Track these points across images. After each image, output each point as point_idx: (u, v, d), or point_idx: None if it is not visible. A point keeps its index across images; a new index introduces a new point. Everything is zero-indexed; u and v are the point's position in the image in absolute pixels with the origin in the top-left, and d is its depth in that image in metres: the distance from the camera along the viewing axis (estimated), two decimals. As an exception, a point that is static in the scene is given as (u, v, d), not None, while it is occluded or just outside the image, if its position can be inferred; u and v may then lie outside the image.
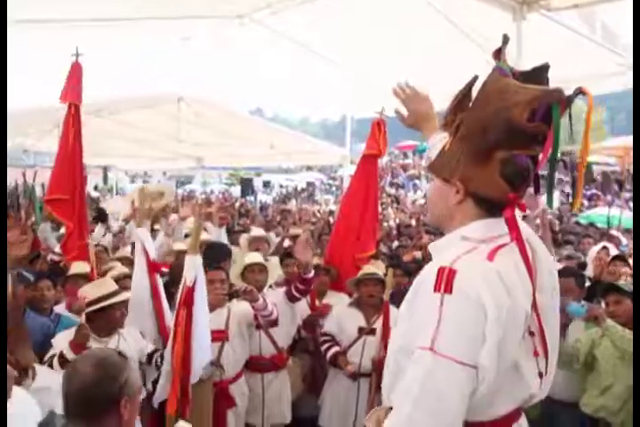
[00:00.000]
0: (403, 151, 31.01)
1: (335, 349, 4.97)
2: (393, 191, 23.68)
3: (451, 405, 1.61)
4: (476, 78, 1.95)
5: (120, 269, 5.37)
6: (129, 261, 5.84)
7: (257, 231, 7.39)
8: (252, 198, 21.34)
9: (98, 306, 3.97)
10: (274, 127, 12.92)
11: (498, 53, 1.92)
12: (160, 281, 4.72)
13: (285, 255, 6.08)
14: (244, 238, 7.32)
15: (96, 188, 21.59)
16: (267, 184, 31.17)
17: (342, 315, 5.08)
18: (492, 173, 1.76)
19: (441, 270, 1.67)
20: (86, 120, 10.72)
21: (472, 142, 1.80)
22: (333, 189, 27.16)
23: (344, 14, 8.86)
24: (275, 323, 4.66)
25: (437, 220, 1.97)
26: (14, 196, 10.54)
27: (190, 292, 3.89)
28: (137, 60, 10.59)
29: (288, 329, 5.08)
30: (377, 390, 4.89)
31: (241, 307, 4.74)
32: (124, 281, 4.85)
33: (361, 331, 4.94)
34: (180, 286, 3.97)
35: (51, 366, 3.67)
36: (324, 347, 5.03)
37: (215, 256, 6.14)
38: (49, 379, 3.50)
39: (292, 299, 4.92)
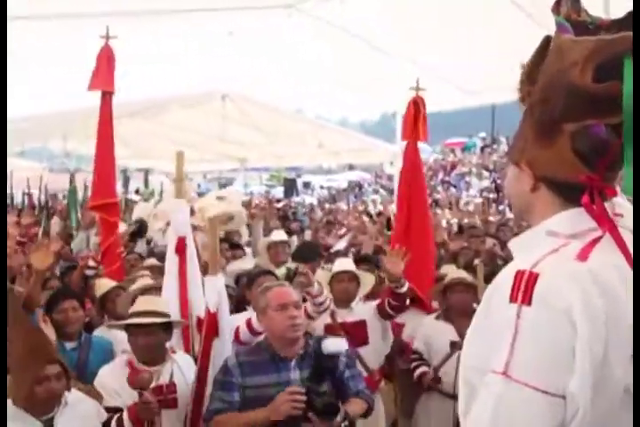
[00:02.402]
0: (450, 148, 30.36)
1: (422, 369, 4.45)
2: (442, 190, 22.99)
3: None
4: (548, 40, 1.57)
5: (144, 280, 4.58)
6: (158, 270, 5.15)
7: (278, 235, 6.59)
8: (298, 199, 20.88)
9: (127, 322, 3.36)
10: (321, 125, 12.41)
11: (557, 6, 1.54)
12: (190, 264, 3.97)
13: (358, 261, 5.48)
14: (262, 243, 6.58)
15: (137, 191, 21.26)
16: (307, 185, 30.65)
17: (429, 330, 4.53)
18: (560, 151, 1.46)
19: (519, 275, 1.35)
20: (126, 121, 10.44)
21: (534, 117, 1.52)
22: (379, 188, 26.55)
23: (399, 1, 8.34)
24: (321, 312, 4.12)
25: (518, 211, 1.66)
26: (51, 201, 10.14)
27: (213, 319, 3.37)
28: (179, 56, 10.19)
29: (379, 348, 4.51)
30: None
31: None
32: (150, 292, 4.14)
33: (454, 346, 4.38)
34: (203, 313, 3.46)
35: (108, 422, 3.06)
36: (412, 366, 4.53)
37: (304, 255, 5.66)
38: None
39: (384, 316, 4.38)
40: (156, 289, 4.08)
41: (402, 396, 4.77)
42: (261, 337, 3.38)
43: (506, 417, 1.32)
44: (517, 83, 1.62)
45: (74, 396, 2.97)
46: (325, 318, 4.32)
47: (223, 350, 3.37)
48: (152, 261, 5.93)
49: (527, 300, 1.32)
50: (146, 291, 4.06)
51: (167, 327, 3.41)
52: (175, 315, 3.67)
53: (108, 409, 3.12)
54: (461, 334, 4.42)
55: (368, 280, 4.59)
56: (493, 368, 1.35)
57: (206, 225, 3.67)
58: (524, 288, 1.33)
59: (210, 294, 3.40)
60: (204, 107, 11.41)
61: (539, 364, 1.31)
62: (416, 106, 5.34)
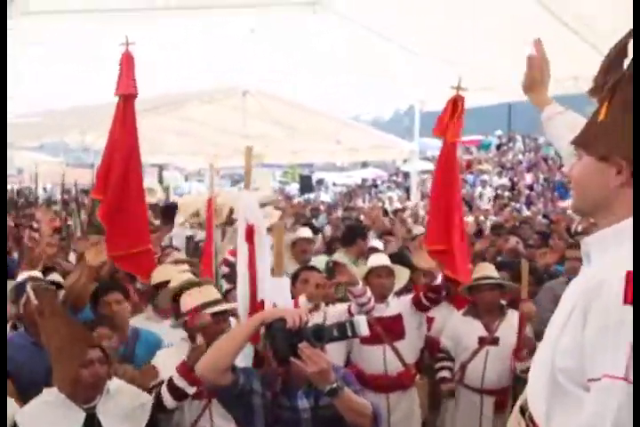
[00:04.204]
0: (465, 147, 30.15)
1: (443, 374, 4.54)
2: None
3: None
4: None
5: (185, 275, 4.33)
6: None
7: (304, 232, 6.47)
8: (312, 196, 20.88)
9: (215, 309, 3.37)
10: (340, 121, 12.40)
11: None
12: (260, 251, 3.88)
13: None
14: (286, 239, 6.55)
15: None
16: (320, 182, 30.61)
17: (457, 326, 4.56)
18: None
19: (631, 276, 1.32)
20: (143, 117, 10.50)
21: None
22: (394, 186, 26.53)
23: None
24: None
25: (589, 207, 1.61)
26: (68, 196, 10.18)
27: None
28: (201, 52, 10.20)
29: (415, 342, 4.55)
30: (501, 410, 4.39)
31: (338, 309, 4.34)
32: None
33: (482, 341, 4.41)
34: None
35: (158, 396, 3.08)
36: (436, 366, 4.61)
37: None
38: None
39: (421, 308, 4.41)
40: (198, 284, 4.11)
41: (430, 389, 4.81)
42: None
43: (629, 424, 1.31)
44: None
45: (116, 384, 3.01)
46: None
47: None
48: (178, 255, 5.87)
49: None
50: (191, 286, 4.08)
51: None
52: (246, 300, 3.71)
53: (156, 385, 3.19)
54: (489, 330, 4.46)
55: (403, 275, 4.61)
56: (608, 372, 1.34)
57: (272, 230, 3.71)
58: None
59: (276, 294, 3.43)
60: (225, 102, 11.43)
61: None
62: (455, 105, 5.36)
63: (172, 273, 4.26)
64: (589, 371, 1.40)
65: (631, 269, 1.35)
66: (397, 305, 4.46)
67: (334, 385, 2.44)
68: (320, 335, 2.44)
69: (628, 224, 1.48)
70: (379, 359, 4.33)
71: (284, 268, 3.56)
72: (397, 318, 4.38)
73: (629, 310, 1.32)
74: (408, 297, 4.53)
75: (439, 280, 4.28)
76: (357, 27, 9.31)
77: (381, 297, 4.41)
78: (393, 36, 9.66)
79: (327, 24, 9.26)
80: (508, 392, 4.39)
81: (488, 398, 4.36)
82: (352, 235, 6.31)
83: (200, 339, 3.13)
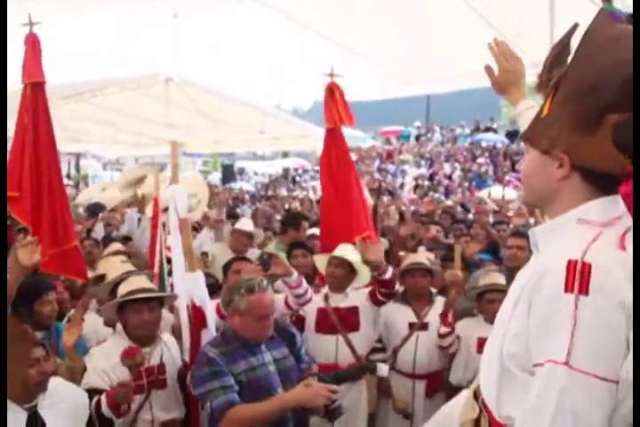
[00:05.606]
0: (385, 137, 30.61)
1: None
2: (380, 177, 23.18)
3: None
4: (575, 27, 1.65)
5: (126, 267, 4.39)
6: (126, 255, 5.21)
7: (247, 225, 6.32)
8: (236, 185, 20.74)
9: (124, 299, 3.37)
10: (265, 111, 12.32)
11: None
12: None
13: (295, 246, 5.55)
14: (227, 230, 6.55)
15: (68, 176, 20.77)
16: (241, 171, 30.46)
17: (388, 312, 4.63)
18: (603, 141, 1.46)
19: (572, 265, 1.38)
20: (60, 104, 10.12)
21: (578, 104, 1.50)
22: (317, 175, 26.67)
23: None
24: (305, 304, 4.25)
25: (536, 199, 1.67)
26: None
27: (200, 313, 3.51)
28: (123, 38, 9.93)
29: (369, 334, 4.50)
30: (433, 393, 4.51)
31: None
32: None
33: (412, 327, 4.51)
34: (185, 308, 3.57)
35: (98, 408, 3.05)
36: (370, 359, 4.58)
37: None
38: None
39: (376, 302, 4.39)
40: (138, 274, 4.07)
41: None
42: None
43: (571, 405, 1.36)
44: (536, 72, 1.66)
45: (55, 381, 2.94)
46: (319, 302, 4.36)
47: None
48: (117, 246, 5.82)
49: (585, 290, 1.36)
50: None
51: (161, 305, 3.46)
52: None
53: (91, 391, 3.10)
54: (419, 316, 4.57)
55: (366, 272, 4.48)
56: (551, 357, 1.39)
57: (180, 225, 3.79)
58: (580, 278, 1.37)
59: (194, 289, 3.46)
60: (147, 90, 11.15)
61: (600, 353, 1.36)
62: (332, 92, 5.46)
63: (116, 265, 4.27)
64: (535, 356, 1.45)
65: (574, 257, 1.40)
66: (355, 297, 4.43)
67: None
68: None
69: (571, 215, 1.54)
70: (331, 349, 4.29)
71: (196, 262, 3.64)
72: (354, 310, 4.36)
73: (570, 297, 1.37)
74: (367, 290, 4.48)
75: (388, 275, 4.19)
76: (280, 16, 9.27)
77: (338, 287, 4.43)
78: (316, 27, 9.68)
79: (250, 12, 9.20)
80: (440, 377, 4.52)
81: (420, 382, 4.47)
82: (289, 223, 6.31)
83: (130, 380, 3.11)
